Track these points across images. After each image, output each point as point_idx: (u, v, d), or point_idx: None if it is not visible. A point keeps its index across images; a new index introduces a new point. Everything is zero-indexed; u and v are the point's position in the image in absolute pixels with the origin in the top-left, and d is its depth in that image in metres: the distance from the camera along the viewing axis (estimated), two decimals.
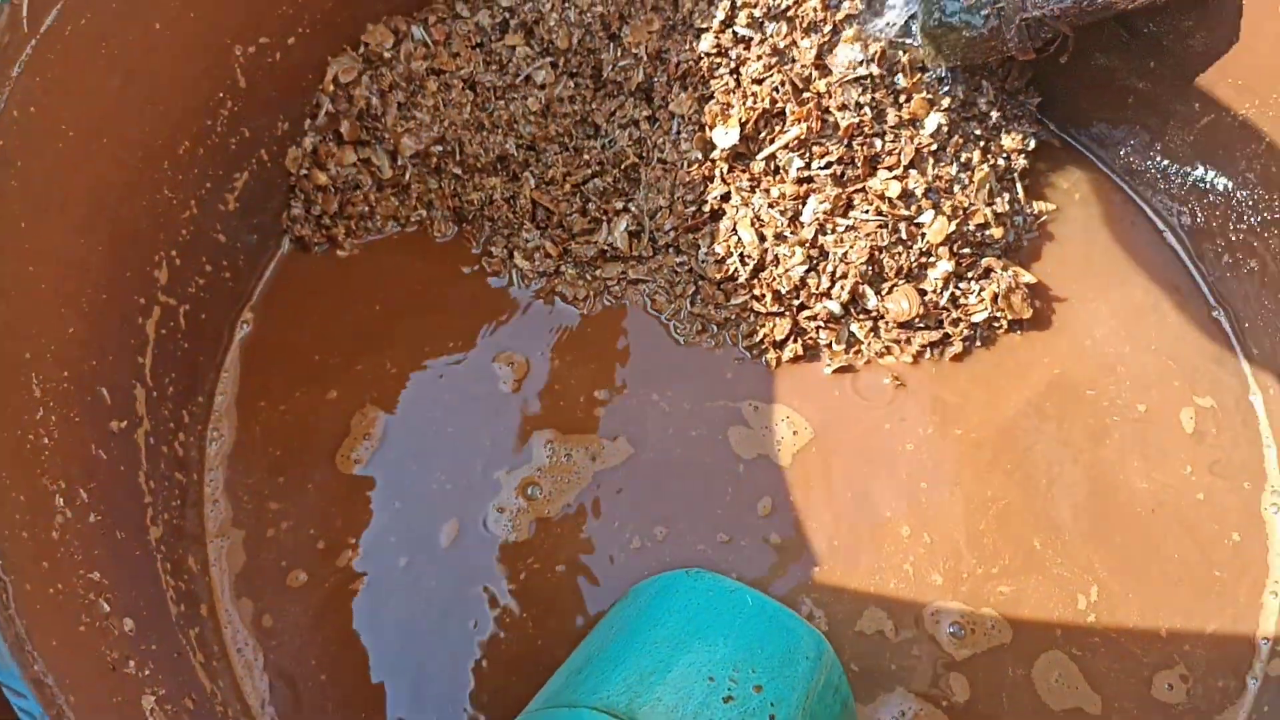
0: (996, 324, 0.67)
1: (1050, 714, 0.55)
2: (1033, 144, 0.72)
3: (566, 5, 0.65)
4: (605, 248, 0.69)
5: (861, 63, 0.65)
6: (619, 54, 0.67)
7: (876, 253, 0.65)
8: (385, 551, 0.60)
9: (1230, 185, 0.65)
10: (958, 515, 0.61)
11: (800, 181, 0.66)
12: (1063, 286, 0.70)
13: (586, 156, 0.69)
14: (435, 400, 0.65)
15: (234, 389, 0.65)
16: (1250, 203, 0.63)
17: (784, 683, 0.46)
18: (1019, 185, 0.71)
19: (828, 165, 0.66)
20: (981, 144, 0.70)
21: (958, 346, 0.66)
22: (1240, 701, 0.56)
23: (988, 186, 0.68)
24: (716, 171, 0.67)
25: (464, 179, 0.70)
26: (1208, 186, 0.67)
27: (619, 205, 0.69)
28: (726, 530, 0.61)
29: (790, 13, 0.65)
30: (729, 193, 0.67)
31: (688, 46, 0.66)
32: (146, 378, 0.57)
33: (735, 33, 0.66)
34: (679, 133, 0.67)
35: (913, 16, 0.65)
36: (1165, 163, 0.70)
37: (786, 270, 0.65)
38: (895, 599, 0.58)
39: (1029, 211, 0.71)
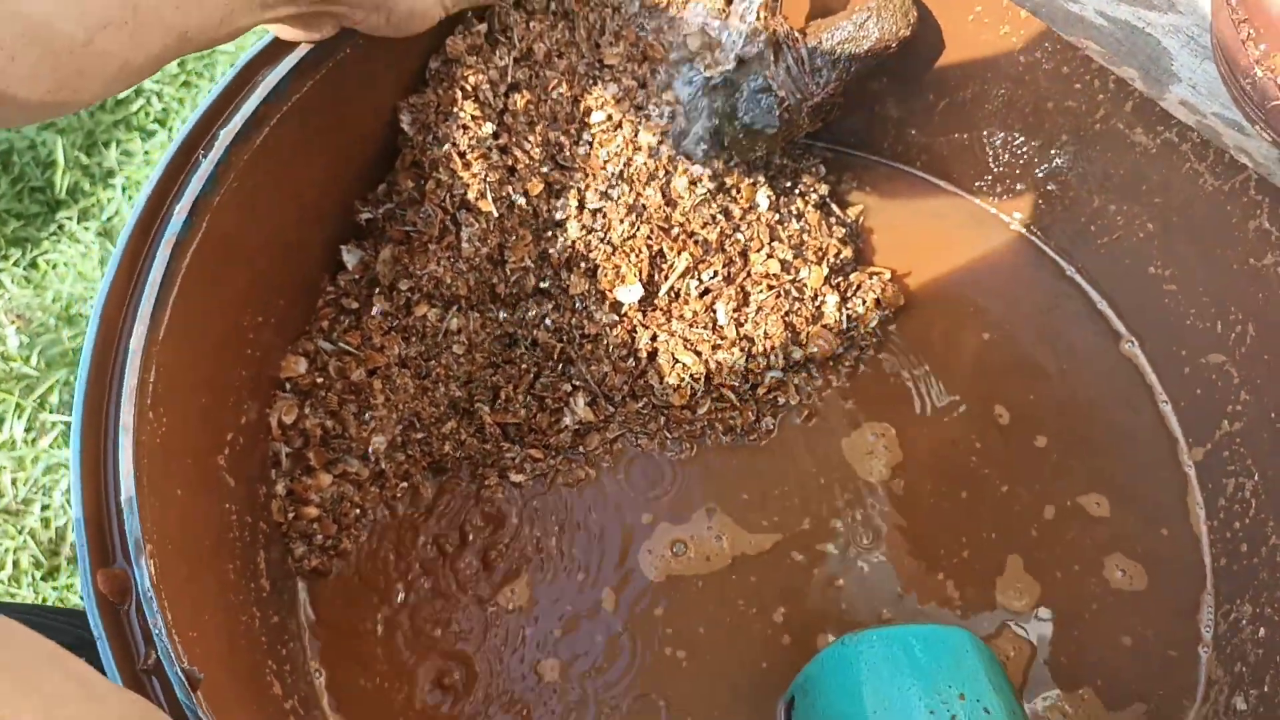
0: (889, 322, 0.83)
1: None
2: (824, 171, 0.88)
3: (454, 260, 0.71)
4: (577, 427, 0.77)
5: (697, 183, 0.77)
6: (509, 273, 0.74)
7: (786, 318, 0.78)
8: None
9: (967, 138, 0.84)
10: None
11: (703, 295, 0.77)
12: (904, 265, 0.86)
13: (522, 365, 0.76)
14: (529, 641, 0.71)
15: None
16: (994, 150, 0.83)
17: (971, 681, 0.59)
18: (834, 207, 0.87)
19: (715, 275, 0.77)
20: (797, 192, 0.84)
21: (872, 351, 0.81)
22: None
23: (821, 222, 0.83)
24: (635, 322, 0.77)
25: (429, 440, 0.75)
26: (961, 148, 0.85)
27: (568, 388, 0.77)
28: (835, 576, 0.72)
29: (626, 174, 0.75)
30: (655, 333, 0.77)
31: (560, 239, 0.75)
32: None
33: (591, 211, 0.75)
34: (587, 308, 0.76)
35: (713, 130, 0.78)
36: (923, 135, 0.87)
37: (732, 368, 0.77)
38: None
39: (851, 221, 0.87)
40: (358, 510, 0.73)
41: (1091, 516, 0.74)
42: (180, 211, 0.52)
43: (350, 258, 0.74)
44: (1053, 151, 0.80)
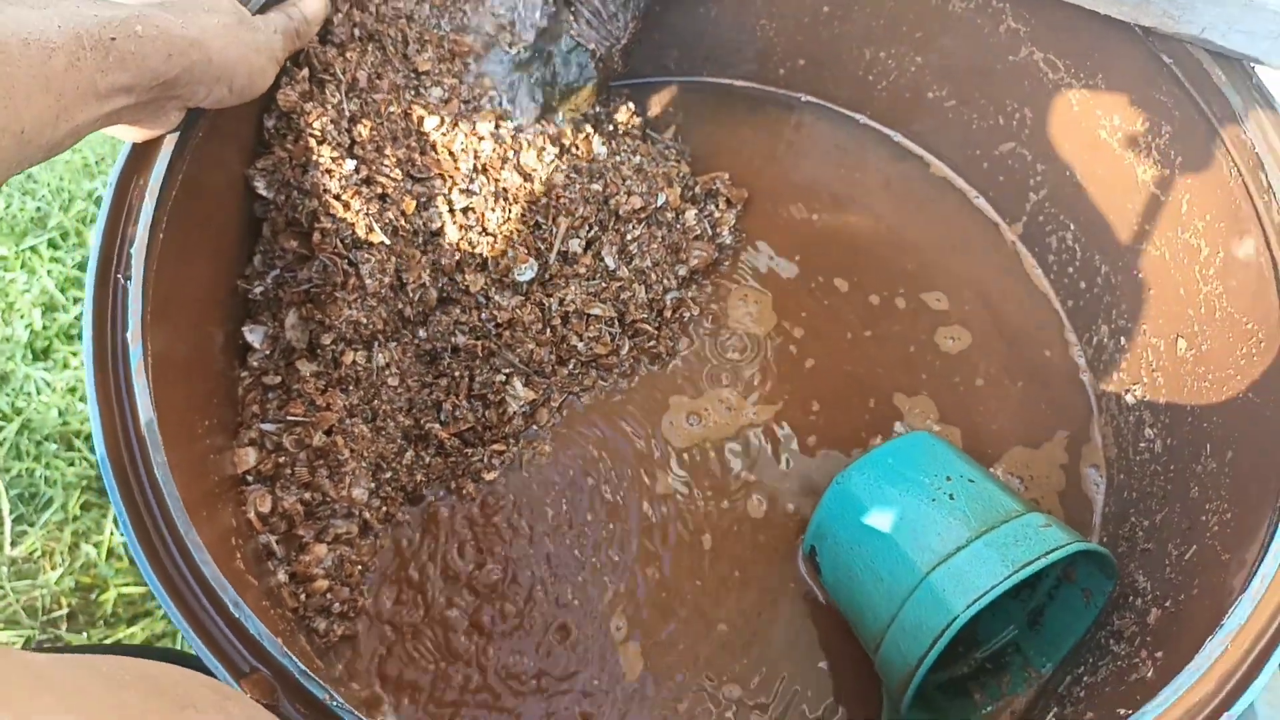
0: (740, 216, 0.92)
1: None
2: (632, 105, 0.94)
3: (363, 299, 0.72)
4: (524, 409, 0.81)
5: (543, 151, 0.81)
6: (411, 294, 0.76)
7: (664, 243, 0.85)
8: None
9: (739, 35, 0.94)
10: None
11: (588, 249, 0.83)
12: (730, 164, 0.95)
13: (454, 374, 0.79)
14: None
15: None
16: (764, 39, 0.92)
17: (949, 465, 0.70)
18: (653, 134, 0.94)
19: (591, 227, 0.83)
20: (621, 133, 0.91)
21: (743, 246, 0.90)
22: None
23: (651, 150, 0.90)
24: (540, 295, 0.81)
25: (396, 476, 0.76)
26: (737, 44, 0.95)
27: (501, 378, 0.81)
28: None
29: (479, 166, 0.79)
30: (560, 298, 0.81)
31: (444, 245, 0.77)
32: None
33: (461, 210, 0.78)
34: (491, 299, 0.80)
35: (535, 100, 0.82)
36: (702, 46, 0.96)
37: (638, 303, 0.83)
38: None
39: (672, 142, 0.95)
40: (360, 566, 0.74)
41: (933, 310, 0.87)
42: (133, 340, 0.51)
43: (254, 336, 0.73)
44: (818, 24, 0.90)
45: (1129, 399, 0.78)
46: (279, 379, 0.73)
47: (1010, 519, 0.65)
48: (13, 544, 1.05)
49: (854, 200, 0.93)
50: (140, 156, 0.57)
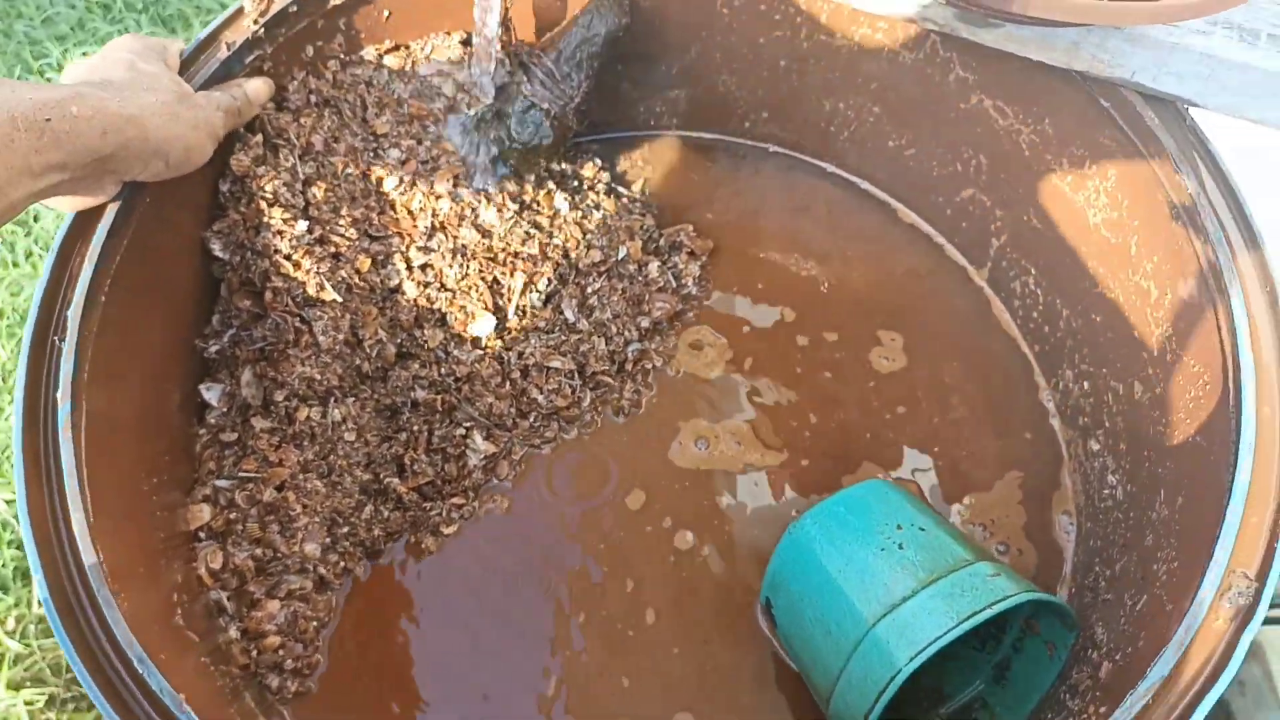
0: (705, 268, 0.92)
1: None
2: (600, 162, 0.96)
3: (316, 355, 0.74)
4: (484, 462, 0.81)
5: (503, 208, 0.83)
6: (368, 350, 0.77)
7: (624, 295, 0.86)
8: None
9: (705, 90, 0.95)
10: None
11: (547, 303, 0.84)
12: (697, 215, 0.96)
13: (413, 428, 0.79)
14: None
15: None
16: (729, 93, 0.94)
17: (900, 513, 0.69)
18: (620, 189, 0.95)
19: (550, 282, 0.84)
20: (586, 188, 0.92)
21: (703, 294, 0.91)
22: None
23: (616, 204, 0.91)
24: (499, 349, 0.82)
25: (353, 530, 0.77)
26: (702, 99, 0.96)
27: (461, 431, 0.81)
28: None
29: (437, 224, 0.80)
30: (519, 352, 0.82)
31: (402, 302, 0.79)
32: None
33: (419, 267, 0.79)
34: (450, 354, 0.80)
35: (494, 159, 0.84)
36: (668, 100, 0.97)
37: (598, 355, 0.84)
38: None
39: (639, 196, 0.96)
40: (315, 623, 0.74)
41: (902, 355, 0.87)
42: (63, 398, 0.52)
43: (211, 394, 0.74)
44: (778, 78, 0.91)
45: (1094, 445, 0.77)
46: (236, 436, 0.74)
47: (959, 568, 0.64)
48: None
49: (823, 248, 0.93)
50: (83, 224, 0.59)
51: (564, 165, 0.93)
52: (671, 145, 1.01)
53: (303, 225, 0.72)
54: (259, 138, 0.72)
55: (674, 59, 0.92)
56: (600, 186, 0.93)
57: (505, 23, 0.80)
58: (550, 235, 0.85)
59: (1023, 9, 0.55)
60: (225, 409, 0.75)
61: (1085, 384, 0.79)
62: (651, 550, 0.78)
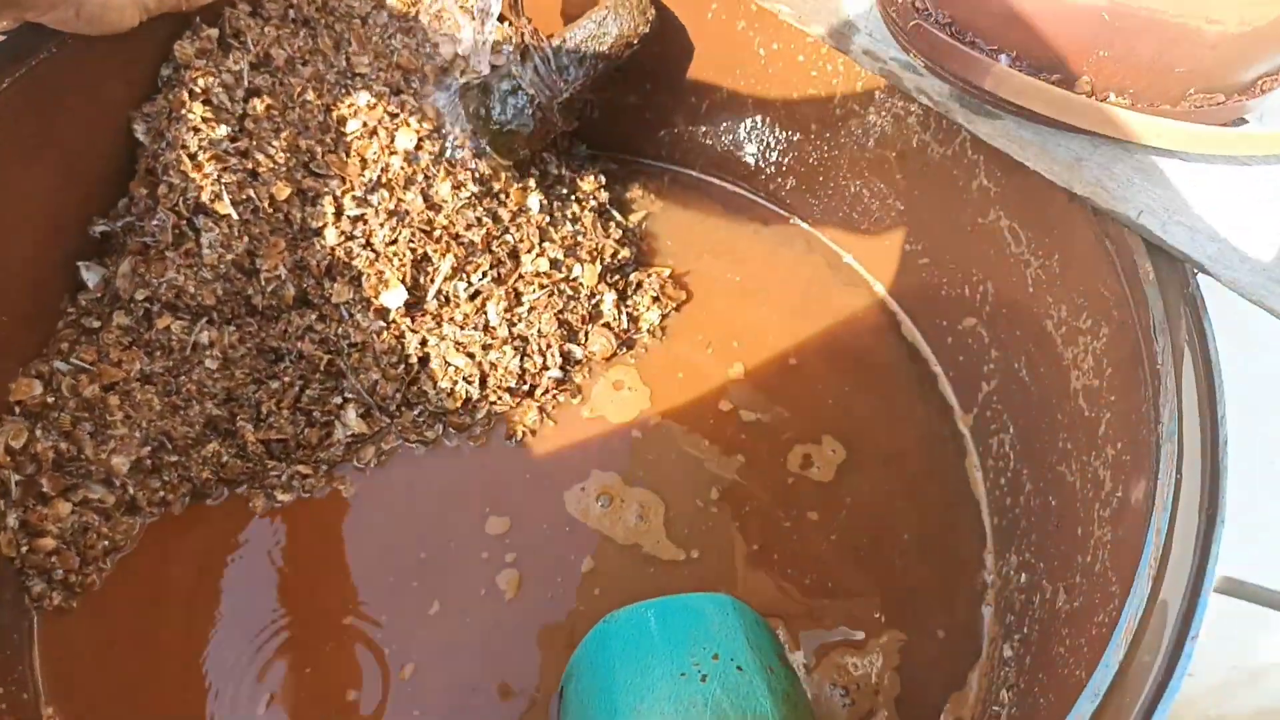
0: (667, 315, 0.83)
1: None
2: (604, 179, 0.89)
3: (196, 268, 0.69)
4: (349, 440, 0.74)
5: (461, 186, 0.77)
6: (263, 283, 0.72)
7: (560, 316, 0.78)
8: None
9: (733, 137, 0.87)
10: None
11: (473, 297, 0.76)
12: (688, 264, 0.87)
13: (286, 379, 0.73)
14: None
15: None
16: (759, 145, 0.85)
17: (726, 642, 0.57)
18: (614, 212, 0.88)
19: (484, 275, 0.77)
20: (574, 198, 0.85)
21: (651, 342, 0.81)
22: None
23: (598, 225, 0.84)
24: (404, 327, 0.75)
25: (184, 461, 0.71)
26: (728, 144, 0.88)
27: (338, 400, 0.74)
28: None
29: (384, 179, 0.75)
30: (424, 338, 0.75)
31: (318, 246, 0.73)
32: None
33: (349, 216, 0.74)
34: (352, 316, 0.74)
35: (471, 134, 0.78)
36: (694, 137, 0.90)
37: (507, 369, 0.76)
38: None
39: (632, 226, 0.88)
40: (105, 542, 0.68)
41: (860, 481, 0.75)
42: None
43: (90, 275, 0.71)
44: (808, 143, 0.83)
45: (1007, 651, 0.63)
46: (98, 325, 0.70)
47: None
48: None
49: (811, 341, 0.83)
50: None
51: (563, 170, 0.87)
52: (689, 185, 0.93)
53: (223, 130, 0.68)
54: (213, 32, 0.69)
55: (704, 95, 0.85)
56: (592, 203, 0.86)
57: (515, 3, 0.75)
58: (505, 230, 0.78)
59: (994, 88, 0.45)
60: (99, 295, 0.71)
61: (1023, 576, 0.65)
62: (470, 579, 0.69)
